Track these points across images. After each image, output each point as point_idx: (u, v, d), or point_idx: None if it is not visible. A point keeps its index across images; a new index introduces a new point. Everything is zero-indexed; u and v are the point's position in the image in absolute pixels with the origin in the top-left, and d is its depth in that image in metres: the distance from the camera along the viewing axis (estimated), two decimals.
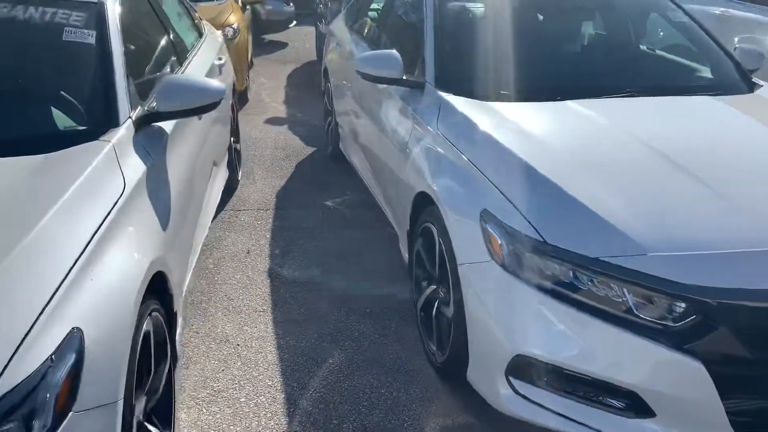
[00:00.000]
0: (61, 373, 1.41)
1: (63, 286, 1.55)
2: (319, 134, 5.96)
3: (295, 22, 10.94)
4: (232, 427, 2.41)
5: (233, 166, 4.54)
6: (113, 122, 2.24)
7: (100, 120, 2.25)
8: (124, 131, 2.24)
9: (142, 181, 2.15)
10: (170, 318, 2.28)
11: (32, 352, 1.38)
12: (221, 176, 3.97)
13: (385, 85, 3.34)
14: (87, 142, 2.11)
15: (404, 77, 3.15)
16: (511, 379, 2.14)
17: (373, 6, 4.76)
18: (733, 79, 3.24)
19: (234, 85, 4.80)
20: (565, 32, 3.66)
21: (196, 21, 4.23)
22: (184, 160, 2.71)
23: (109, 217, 1.86)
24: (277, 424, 2.43)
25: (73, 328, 1.48)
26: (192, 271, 2.94)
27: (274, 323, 3.09)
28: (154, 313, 1.99)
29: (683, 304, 1.89)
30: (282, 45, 10.98)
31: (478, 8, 3.60)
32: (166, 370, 2.16)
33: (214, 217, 4.15)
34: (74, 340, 1.47)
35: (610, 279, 1.95)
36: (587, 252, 1.99)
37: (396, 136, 3.23)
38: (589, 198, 2.15)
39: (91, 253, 1.69)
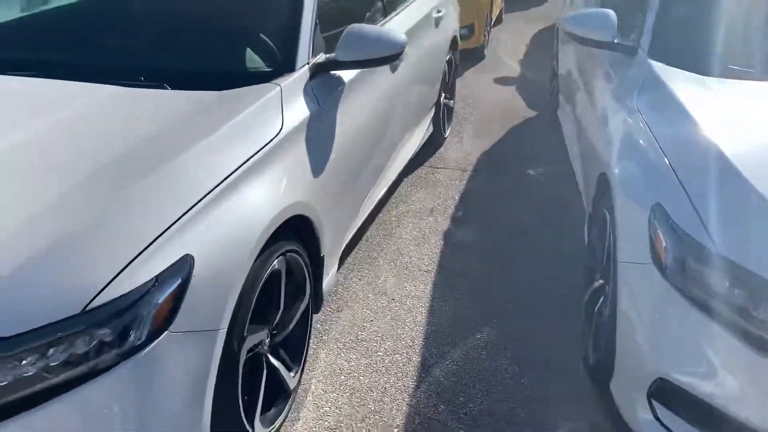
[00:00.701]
0: (164, 294, 1.52)
1: (189, 213, 1.65)
2: (547, 99, 5.65)
3: None
4: (362, 377, 2.44)
5: (440, 122, 4.51)
6: (289, 67, 2.32)
7: (277, 64, 2.34)
8: (297, 76, 2.30)
9: (301, 127, 2.20)
10: (317, 262, 2.36)
11: (142, 270, 1.50)
12: (420, 132, 3.97)
13: (595, 49, 2.99)
14: (261, 83, 2.22)
15: (615, 41, 2.78)
16: (654, 402, 1.83)
17: None
18: None
19: (457, 40, 4.71)
20: None
21: None
22: (363, 110, 2.73)
23: (256, 155, 1.94)
24: (404, 385, 2.41)
25: (186, 255, 1.59)
26: (365, 222, 2.99)
27: (435, 286, 3.04)
28: (289, 254, 2.06)
29: None
30: (539, 1, 10.56)
31: None
32: (301, 310, 2.24)
33: (411, 172, 4.20)
34: (184, 266, 1.57)
35: None
36: None
37: (595, 107, 2.90)
38: None
39: (226, 186, 1.78)
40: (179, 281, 1.55)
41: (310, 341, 2.58)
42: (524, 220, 3.68)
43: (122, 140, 1.87)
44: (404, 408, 2.30)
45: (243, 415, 1.85)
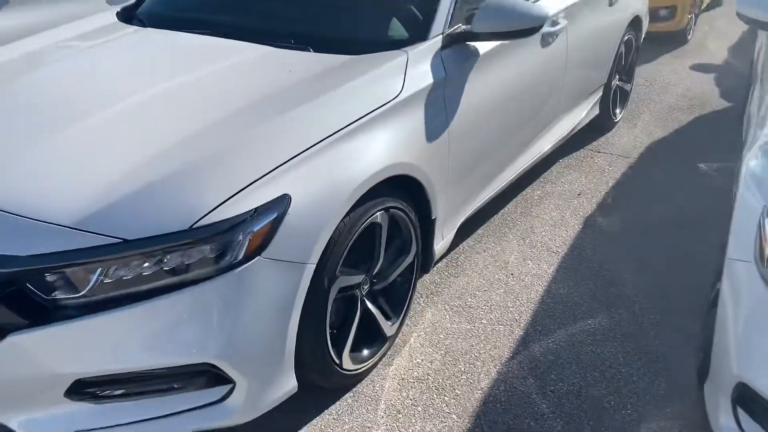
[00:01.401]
0: (260, 224, 1.75)
1: (296, 158, 1.87)
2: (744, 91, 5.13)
3: None
4: (461, 339, 2.53)
5: (609, 105, 4.32)
6: (422, 36, 2.44)
7: (412, 33, 2.47)
8: (427, 45, 2.42)
9: (422, 93, 2.32)
10: (427, 224, 2.48)
11: (245, 201, 1.75)
12: (578, 112, 3.85)
13: None
14: (392, 50, 2.37)
15: None
16: (739, 409, 1.71)
17: None
18: None
19: (639, 21, 4.45)
20: None
21: None
22: (499, 83, 2.75)
23: (369, 115, 2.10)
24: (499, 354, 2.46)
25: (285, 194, 1.81)
26: (501, 197, 3.02)
27: (558, 267, 3.00)
28: (393, 210, 2.21)
29: None
30: None
31: None
32: (404, 266, 2.38)
33: (567, 154, 4.11)
34: (281, 203, 1.80)
35: None
36: None
37: (761, 97, 2.63)
38: None
39: (334, 139, 1.98)
40: (275, 215, 1.78)
41: (420, 299, 2.74)
42: (679, 216, 3.45)
43: (260, 90, 2.14)
44: (493, 374, 2.36)
45: (329, 345, 2.06)
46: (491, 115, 2.74)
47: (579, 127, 3.96)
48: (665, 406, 2.21)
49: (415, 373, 2.37)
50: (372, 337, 2.32)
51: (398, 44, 2.42)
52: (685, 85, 5.53)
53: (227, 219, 1.72)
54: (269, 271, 1.79)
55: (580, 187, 3.76)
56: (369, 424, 2.15)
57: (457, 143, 2.50)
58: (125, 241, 1.66)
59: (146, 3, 3.04)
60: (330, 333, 2.06)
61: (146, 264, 1.68)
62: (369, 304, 2.26)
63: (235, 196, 1.75)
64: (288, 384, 1.97)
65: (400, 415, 2.19)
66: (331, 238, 1.93)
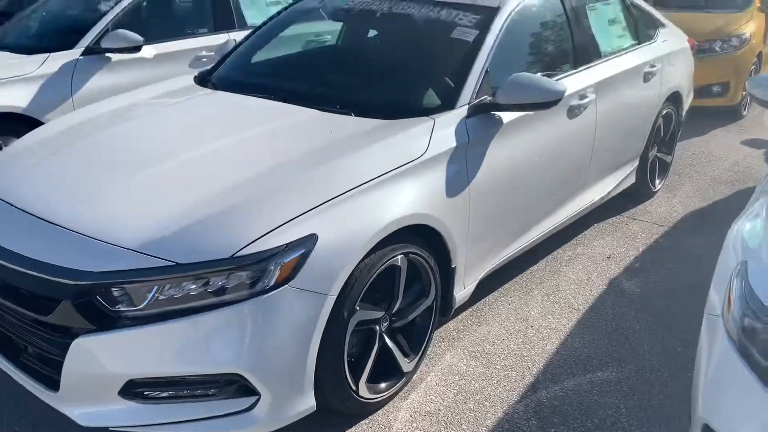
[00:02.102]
0: (290, 257, 2.07)
1: (326, 204, 2.20)
2: None
3: None
4: (474, 381, 2.73)
5: (646, 175, 4.50)
6: (450, 105, 2.77)
7: (442, 102, 2.80)
8: (454, 113, 2.74)
9: (445, 154, 2.62)
10: (447, 272, 2.74)
11: (279, 236, 2.07)
12: (611, 181, 4.05)
13: None
14: (423, 116, 2.70)
15: None
16: None
17: None
18: None
19: (679, 96, 4.65)
20: None
21: (639, 27, 4.29)
22: (522, 150, 3.01)
23: (394, 171, 2.42)
24: (508, 396, 2.64)
25: (313, 233, 2.13)
26: (531, 255, 3.25)
27: (577, 323, 3.17)
28: (412, 256, 2.49)
29: None
30: None
31: None
32: (423, 308, 2.64)
33: (604, 219, 4.29)
34: (310, 241, 2.11)
35: None
36: None
37: None
38: None
39: (361, 190, 2.29)
40: (303, 251, 2.10)
41: (442, 343, 2.97)
42: (704, 283, 3.54)
43: (303, 147, 2.51)
44: (499, 414, 2.55)
45: (347, 372, 2.32)
46: (513, 177, 3.00)
47: (612, 195, 4.15)
48: None
49: (428, 408, 2.58)
50: (390, 371, 2.56)
51: (429, 111, 2.75)
52: (733, 159, 5.62)
53: (262, 251, 2.04)
54: (295, 299, 2.09)
55: (610, 250, 3.93)
56: None
57: (477, 201, 2.77)
58: (178, 264, 2.01)
59: (219, 69, 3.52)
60: (349, 361, 2.32)
61: (193, 285, 2.01)
62: (387, 340, 2.52)
63: (271, 233, 2.08)
64: (307, 403, 2.23)
65: None
66: (351, 274, 2.22)
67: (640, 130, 4.23)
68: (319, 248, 2.13)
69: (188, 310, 2.02)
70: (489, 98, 2.83)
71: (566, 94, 3.00)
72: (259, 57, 3.56)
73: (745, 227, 2.20)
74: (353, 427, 2.47)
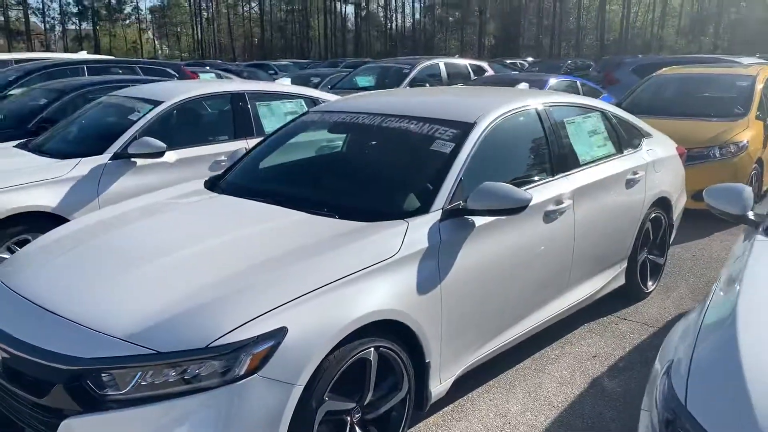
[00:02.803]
0: (260, 348, 2.28)
1: (297, 300, 2.43)
2: None
3: None
4: None
5: (636, 277, 4.64)
6: (425, 210, 3.03)
7: (417, 207, 3.07)
8: (429, 216, 2.99)
9: (417, 254, 2.85)
10: (421, 366, 2.90)
11: (251, 329, 2.30)
12: (595, 282, 4.19)
13: None
14: (397, 219, 2.97)
15: (748, 214, 2.87)
16: None
17: None
18: None
19: (667, 201, 4.85)
20: None
21: (621, 138, 4.56)
22: (495, 252, 3.21)
23: (365, 269, 2.65)
24: None
25: (283, 326, 2.35)
26: (516, 352, 3.41)
27: (554, 420, 3.25)
28: (383, 349, 2.67)
29: None
30: None
31: None
32: (395, 401, 2.78)
33: (594, 319, 4.40)
34: (279, 334, 2.33)
35: None
36: None
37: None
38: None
39: (331, 287, 2.52)
40: (273, 343, 2.31)
41: None
42: None
43: (285, 247, 2.77)
44: None
45: None
46: (487, 277, 3.20)
47: (600, 295, 4.29)
48: None
49: None
50: None
51: (407, 215, 3.01)
52: None
53: (234, 342, 2.26)
54: (263, 387, 2.28)
55: (597, 349, 4.03)
56: None
57: (450, 298, 2.97)
58: (159, 353, 2.24)
59: (227, 175, 3.88)
60: None
61: (173, 372, 2.23)
62: (358, 430, 2.66)
63: (244, 325, 2.31)
64: None
65: None
66: (319, 365, 2.41)
67: (626, 233, 4.41)
68: (289, 340, 2.34)
69: (166, 395, 2.23)
70: (462, 203, 3.09)
71: (542, 200, 3.24)
72: (262, 164, 3.93)
73: (673, 332, 2.35)
74: None
